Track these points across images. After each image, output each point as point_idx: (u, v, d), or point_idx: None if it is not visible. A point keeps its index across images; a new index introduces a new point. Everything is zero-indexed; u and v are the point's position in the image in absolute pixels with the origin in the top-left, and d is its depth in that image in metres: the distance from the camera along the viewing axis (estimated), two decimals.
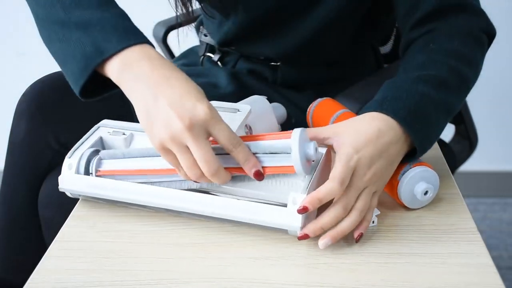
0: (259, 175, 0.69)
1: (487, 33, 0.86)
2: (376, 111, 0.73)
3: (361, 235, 0.69)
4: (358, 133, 0.71)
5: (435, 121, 0.75)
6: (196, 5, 0.96)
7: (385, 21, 1.07)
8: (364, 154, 0.69)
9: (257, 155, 0.69)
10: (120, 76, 0.69)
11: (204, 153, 0.66)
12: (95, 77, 0.71)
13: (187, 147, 0.66)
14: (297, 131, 0.68)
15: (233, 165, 0.70)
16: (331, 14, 0.92)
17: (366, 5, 0.96)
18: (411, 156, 0.74)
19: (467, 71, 0.80)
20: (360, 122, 0.73)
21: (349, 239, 0.70)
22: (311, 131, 0.74)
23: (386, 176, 0.72)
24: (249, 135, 0.72)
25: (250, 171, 0.68)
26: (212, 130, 0.66)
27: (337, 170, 0.67)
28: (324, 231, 0.68)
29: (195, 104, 0.65)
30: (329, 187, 0.67)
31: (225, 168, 0.69)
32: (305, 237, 0.67)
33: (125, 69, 0.69)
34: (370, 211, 0.71)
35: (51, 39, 0.75)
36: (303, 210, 0.66)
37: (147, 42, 0.71)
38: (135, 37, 0.71)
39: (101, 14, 0.72)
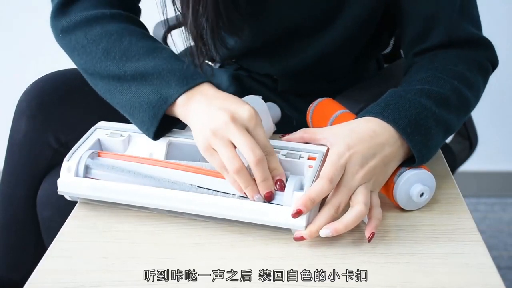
0: (270, 197, 0.69)
1: (491, 63, 0.87)
2: (377, 118, 0.73)
3: (373, 235, 0.68)
4: (352, 132, 0.71)
5: (434, 135, 0.75)
6: None
7: (386, 42, 1.07)
8: (356, 151, 0.69)
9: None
10: (185, 114, 0.73)
11: (248, 141, 0.68)
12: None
13: (230, 142, 0.68)
14: (291, 184, 0.69)
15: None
16: (336, 40, 0.92)
17: (371, 30, 0.96)
18: (408, 164, 0.75)
19: (469, 94, 0.81)
20: (356, 123, 0.73)
21: (349, 240, 0.70)
22: (309, 132, 0.74)
23: (381, 177, 0.72)
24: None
25: (263, 189, 0.69)
26: (251, 130, 0.69)
27: (327, 168, 0.68)
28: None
29: (240, 105, 0.70)
30: (319, 186, 0.67)
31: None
32: (300, 239, 0.67)
33: (187, 108, 0.73)
34: (376, 208, 0.70)
35: (110, 92, 0.78)
36: (297, 214, 0.66)
37: (205, 80, 0.75)
38: (192, 78, 0.74)
39: (153, 62, 0.76)
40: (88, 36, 0.80)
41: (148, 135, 0.76)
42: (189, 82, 0.74)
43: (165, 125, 0.76)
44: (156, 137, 0.76)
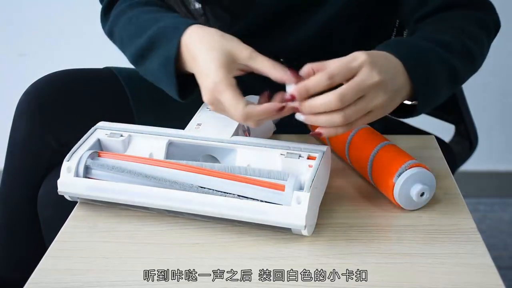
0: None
1: (494, 25, 0.86)
2: (382, 51, 0.72)
3: (319, 134, 0.69)
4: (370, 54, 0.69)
5: (438, 74, 0.74)
6: (197, 5, 0.96)
7: (389, 22, 1.07)
8: (375, 62, 0.68)
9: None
10: (187, 64, 0.74)
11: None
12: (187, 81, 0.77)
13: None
14: (290, 183, 0.68)
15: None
16: (337, 12, 0.92)
17: (372, 4, 0.96)
18: (409, 112, 0.74)
19: (472, 45, 0.80)
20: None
21: (349, 240, 0.70)
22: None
23: (387, 108, 0.70)
24: (245, 177, 0.72)
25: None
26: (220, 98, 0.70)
27: (332, 64, 0.67)
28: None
29: (205, 77, 0.71)
30: (317, 78, 0.67)
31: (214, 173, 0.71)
32: (291, 97, 0.68)
33: (186, 57, 0.74)
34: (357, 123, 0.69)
35: (146, 73, 0.81)
36: (290, 99, 0.68)
37: (190, 24, 0.75)
38: (178, 28, 0.75)
39: (157, 26, 0.78)
40: (119, 31, 0.84)
41: (176, 98, 0.77)
42: (176, 32, 0.75)
43: (192, 83, 0.76)
44: (184, 98, 0.78)
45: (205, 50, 0.72)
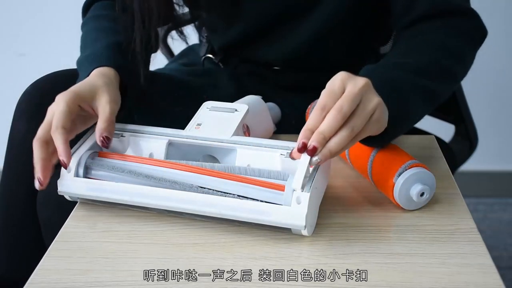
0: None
1: (478, 32, 0.86)
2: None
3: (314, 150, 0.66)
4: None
5: (411, 105, 0.75)
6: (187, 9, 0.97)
7: (385, 24, 1.07)
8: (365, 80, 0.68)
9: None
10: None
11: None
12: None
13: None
14: (289, 188, 0.68)
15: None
16: (331, 17, 0.92)
17: (365, 10, 0.96)
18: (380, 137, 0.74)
19: (451, 63, 0.81)
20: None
21: (349, 240, 0.70)
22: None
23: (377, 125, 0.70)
24: (245, 177, 0.71)
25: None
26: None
27: (321, 98, 0.67)
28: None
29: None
30: (311, 116, 0.67)
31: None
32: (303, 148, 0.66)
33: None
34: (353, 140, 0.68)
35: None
36: (302, 149, 0.66)
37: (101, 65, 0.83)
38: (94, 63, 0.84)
39: (87, 51, 0.88)
40: (81, 37, 0.94)
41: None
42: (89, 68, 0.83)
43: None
44: None
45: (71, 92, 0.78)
